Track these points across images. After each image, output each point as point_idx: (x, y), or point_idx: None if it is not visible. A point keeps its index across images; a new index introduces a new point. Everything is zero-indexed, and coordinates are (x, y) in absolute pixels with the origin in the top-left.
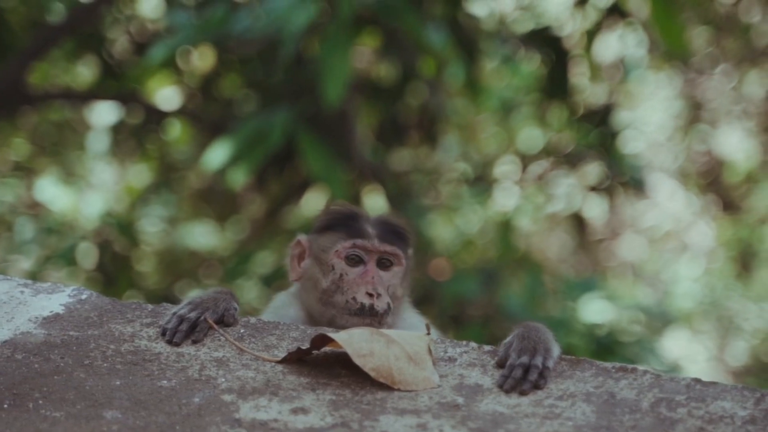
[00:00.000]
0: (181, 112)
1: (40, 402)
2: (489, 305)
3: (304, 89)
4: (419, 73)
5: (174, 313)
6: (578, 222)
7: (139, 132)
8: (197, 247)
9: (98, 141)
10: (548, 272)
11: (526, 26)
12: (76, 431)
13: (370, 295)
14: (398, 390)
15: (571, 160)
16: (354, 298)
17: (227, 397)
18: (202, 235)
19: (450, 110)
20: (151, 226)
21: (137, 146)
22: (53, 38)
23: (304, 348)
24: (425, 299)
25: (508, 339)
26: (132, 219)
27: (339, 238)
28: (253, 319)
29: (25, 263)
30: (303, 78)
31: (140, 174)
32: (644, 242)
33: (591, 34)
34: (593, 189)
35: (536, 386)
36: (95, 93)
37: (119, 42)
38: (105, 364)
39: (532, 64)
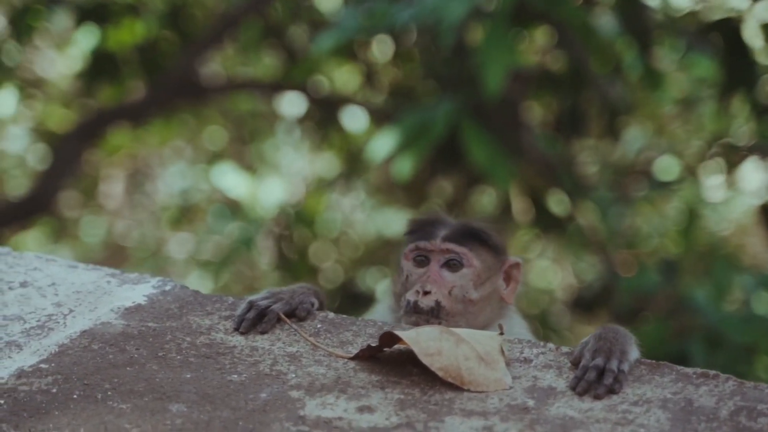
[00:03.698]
0: (359, 103)
1: (109, 393)
2: (672, 299)
3: (467, 80)
4: (592, 66)
5: (247, 300)
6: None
7: (323, 122)
8: (388, 234)
9: (287, 130)
10: (747, 266)
11: (705, 16)
12: (140, 424)
13: (418, 293)
14: (468, 391)
15: (759, 153)
16: (405, 297)
17: (295, 394)
18: (392, 223)
19: (632, 101)
20: (337, 214)
21: (322, 136)
22: (233, 27)
23: (374, 345)
24: (603, 294)
25: (585, 339)
26: (317, 208)
27: (408, 242)
28: (331, 315)
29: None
30: (466, 68)
31: (327, 163)
32: None
33: None
34: None
35: (611, 390)
36: (279, 83)
37: (300, 32)
38: (178, 357)
39: (711, 56)
